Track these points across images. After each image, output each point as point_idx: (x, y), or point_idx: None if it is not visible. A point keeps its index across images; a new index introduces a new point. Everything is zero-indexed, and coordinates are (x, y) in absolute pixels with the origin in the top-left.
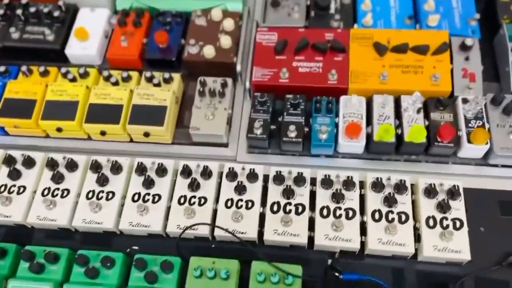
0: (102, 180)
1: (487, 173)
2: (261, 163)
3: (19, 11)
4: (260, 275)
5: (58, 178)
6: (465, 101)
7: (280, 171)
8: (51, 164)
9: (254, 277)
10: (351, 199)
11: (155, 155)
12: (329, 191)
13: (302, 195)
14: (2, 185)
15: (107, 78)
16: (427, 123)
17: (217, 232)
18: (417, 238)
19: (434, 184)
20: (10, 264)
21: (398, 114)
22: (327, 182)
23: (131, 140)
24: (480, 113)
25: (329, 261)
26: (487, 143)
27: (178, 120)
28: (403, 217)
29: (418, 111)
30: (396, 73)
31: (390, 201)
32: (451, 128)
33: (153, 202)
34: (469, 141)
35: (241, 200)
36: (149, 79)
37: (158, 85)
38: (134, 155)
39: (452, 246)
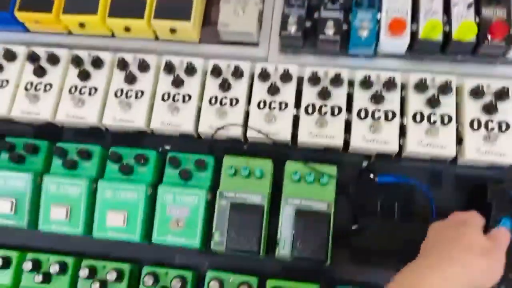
0: (130, 78)
1: None
2: (294, 63)
3: None
4: (295, 174)
5: (84, 75)
6: None
7: (316, 72)
8: (76, 61)
9: (289, 176)
10: (391, 101)
11: (181, 53)
12: (368, 92)
13: (338, 96)
14: (28, 83)
15: None
16: (477, 20)
17: (250, 133)
18: (459, 141)
19: (482, 86)
20: (44, 160)
21: (447, 10)
22: (366, 83)
23: (156, 38)
24: None
25: (364, 164)
26: None
27: (204, 17)
28: (446, 119)
29: (469, 6)
30: None
31: (433, 102)
32: (504, 25)
33: (183, 101)
34: None
35: (274, 101)
36: None
37: None
38: (160, 54)
39: (496, 149)
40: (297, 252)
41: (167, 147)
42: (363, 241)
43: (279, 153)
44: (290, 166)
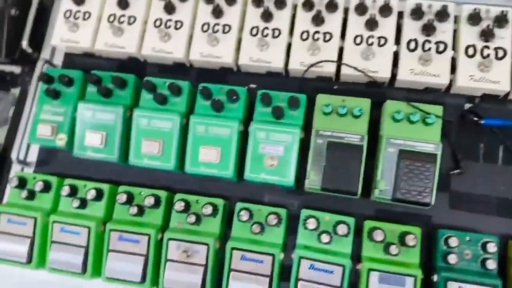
0: (218, 12)
1: None
2: None
3: None
4: (398, 114)
5: (170, 8)
6: None
7: (421, 4)
8: None
9: (390, 116)
10: (502, 38)
11: None
12: (476, 27)
13: (444, 31)
14: (111, 15)
15: None
16: None
17: (344, 70)
18: None
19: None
20: (132, 94)
21: None
22: (475, 18)
23: None
24: None
25: (466, 106)
26: None
27: None
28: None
29: None
30: None
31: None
32: None
33: (273, 36)
34: None
35: (372, 36)
36: None
37: None
38: None
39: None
40: (400, 195)
41: (253, 86)
42: (464, 185)
43: (375, 93)
44: (391, 106)
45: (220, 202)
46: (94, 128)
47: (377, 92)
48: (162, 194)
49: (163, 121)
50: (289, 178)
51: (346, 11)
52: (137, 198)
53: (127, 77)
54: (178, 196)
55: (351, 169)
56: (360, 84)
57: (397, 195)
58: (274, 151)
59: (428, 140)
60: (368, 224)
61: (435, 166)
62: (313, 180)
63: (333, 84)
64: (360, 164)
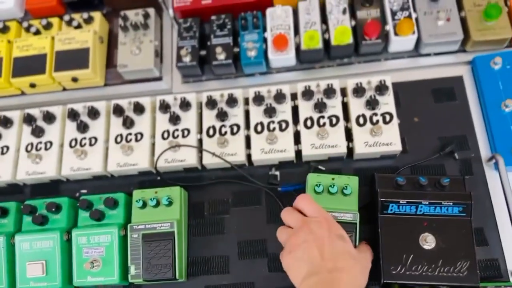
0: (38, 131)
1: (420, 63)
2: (197, 91)
3: None
4: (318, 186)
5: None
6: None
7: (211, 96)
8: None
9: (312, 188)
10: (283, 111)
11: (90, 99)
12: (261, 107)
13: (236, 115)
14: None
15: (27, 29)
16: (354, 23)
17: (160, 164)
18: (351, 138)
19: (361, 83)
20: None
21: (324, 19)
22: (258, 99)
23: (64, 89)
24: (406, 4)
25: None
26: (414, 33)
27: (108, 60)
28: (334, 120)
29: (344, 12)
30: None
31: (319, 106)
32: (376, 23)
33: (90, 144)
34: (396, 34)
35: (177, 130)
36: (69, 23)
37: (79, 27)
38: (69, 103)
39: (383, 140)
40: None
41: (84, 191)
42: None
43: (191, 178)
44: (313, 179)
45: None
46: None
47: (193, 177)
48: None
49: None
50: (114, 277)
51: (154, 110)
52: None
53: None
54: None
55: (165, 257)
56: (179, 172)
57: None
58: (97, 253)
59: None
60: None
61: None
62: (135, 274)
63: (156, 176)
64: (172, 250)
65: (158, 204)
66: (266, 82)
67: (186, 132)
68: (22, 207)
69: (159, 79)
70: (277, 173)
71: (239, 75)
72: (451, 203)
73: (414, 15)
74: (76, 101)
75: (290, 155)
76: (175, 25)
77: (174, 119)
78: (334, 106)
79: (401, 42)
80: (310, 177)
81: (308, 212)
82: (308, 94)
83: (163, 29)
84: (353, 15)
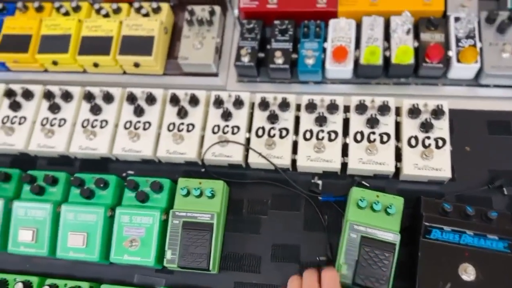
0: (96, 109)
1: (478, 93)
2: (250, 91)
3: None
4: (361, 201)
5: (54, 108)
6: (457, 19)
7: (265, 97)
8: (48, 96)
9: (354, 202)
10: (334, 122)
11: (147, 85)
12: (313, 115)
13: (286, 119)
14: (4, 117)
15: (98, 11)
16: (416, 44)
17: (206, 156)
18: (400, 158)
19: (417, 104)
20: (15, 187)
21: (387, 36)
22: (311, 106)
23: (124, 73)
24: (472, 32)
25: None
26: (476, 62)
27: (169, 51)
28: (385, 138)
29: (408, 32)
30: None
31: (372, 122)
32: (440, 47)
33: (144, 129)
34: (458, 61)
35: (227, 126)
36: (138, 10)
37: (146, 15)
38: (126, 87)
39: (433, 164)
40: (359, 280)
41: (131, 172)
42: None
43: (234, 174)
44: (357, 193)
45: (85, 285)
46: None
47: (238, 174)
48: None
49: (38, 210)
50: (149, 259)
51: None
52: None
53: (11, 172)
54: (48, 281)
55: (202, 246)
56: (224, 167)
57: (357, 281)
58: (137, 233)
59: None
60: None
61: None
62: (170, 259)
63: (201, 168)
64: (210, 241)
65: (201, 194)
66: (319, 91)
67: (235, 129)
68: (72, 179)
69: (215, 75)
70: (320, 182)
71: (293, 81)
72: (497, 238)
73: (479, 45)
74: (134, 86)
75: (335, 166)
76: (237, 25)
77: (226, 115)
78: (386, 124)
79: (462, 70)
80: (354, 190)
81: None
82: (361, 108)
83: (225, 27)
84: (416, 37)
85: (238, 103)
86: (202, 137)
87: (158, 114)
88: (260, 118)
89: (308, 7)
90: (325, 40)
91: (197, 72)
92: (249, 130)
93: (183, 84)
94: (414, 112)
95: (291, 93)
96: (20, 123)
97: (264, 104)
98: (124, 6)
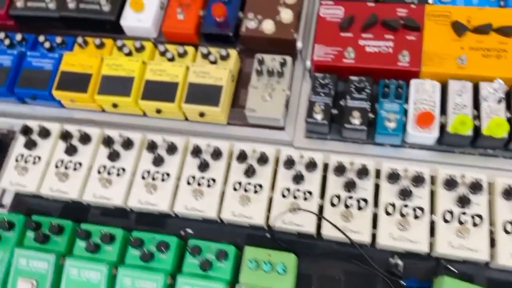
0: (158, 161)
1: None
2: (319, 150)
3: None
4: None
5: (114, 156)
6: None
7: (341, 162)
8: (107, 141)
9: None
10: (420, 197)
11: (209, 135)
12: (395, 186)
13: (365, 189)
14: (59, 160)
15: (163, 53)
16: (509, 115)
17: (279, 224)
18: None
19: None
20: (67, 241)
21: (476, 104)
22: (393, 177)
23: (186, 119)
24: None
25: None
26: None
27: (234, 98)
28: (478, 220)
29: (500, 101)
30: (476, 57)
31: (464, 201)
32: None
33: (208, 186)
34: None
35: (299, 190)
36: (205, 56)
37: (214, 62)
38: (189, 134)
39: None
40: None
41: (189, 231)
42: None
43: (303, 244)
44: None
45: None
46: (25, 276)
47: (306, 244)
48: None
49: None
50: None
51: (276, 162)
52: None
53: (64, 224)
54: None
55: None
56: (293, 235)
57: None
58: None
59: None
60: None
61: None
62: None
63: (266, 232)
64: None
65: (271, 269)
66: (396, 155)
67: (308, 194)
68: (131, 239)
69: (281, 128)
70: (401, 263)
71: (367, 141)
72: None
73: None
74: (196, 134)
75: (422, 248)
76: (307, 76)
77: (298, 178)
78: (478, 204)
79: None
80: (446, 282)
81: None
82: (451, 185)
83: (293, 77)
84: (508, 107)
85: (312, 165)
86: (270, 199)
87: (224, 170)
88: (336, 185)
89: (389, 65)
90: (405, 101)
91: (263, 124)
92: (322, 196)
93: (247, 136)
94: (510, 193)
95: (367, 155)
96: (75, 169)
97: (340, 169)
98: (190, 50)
